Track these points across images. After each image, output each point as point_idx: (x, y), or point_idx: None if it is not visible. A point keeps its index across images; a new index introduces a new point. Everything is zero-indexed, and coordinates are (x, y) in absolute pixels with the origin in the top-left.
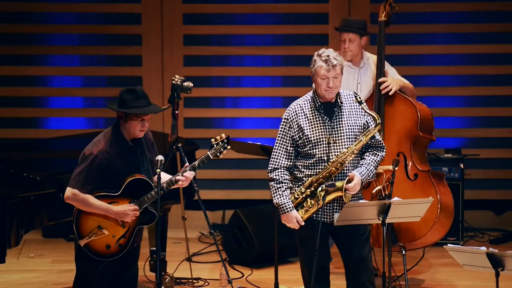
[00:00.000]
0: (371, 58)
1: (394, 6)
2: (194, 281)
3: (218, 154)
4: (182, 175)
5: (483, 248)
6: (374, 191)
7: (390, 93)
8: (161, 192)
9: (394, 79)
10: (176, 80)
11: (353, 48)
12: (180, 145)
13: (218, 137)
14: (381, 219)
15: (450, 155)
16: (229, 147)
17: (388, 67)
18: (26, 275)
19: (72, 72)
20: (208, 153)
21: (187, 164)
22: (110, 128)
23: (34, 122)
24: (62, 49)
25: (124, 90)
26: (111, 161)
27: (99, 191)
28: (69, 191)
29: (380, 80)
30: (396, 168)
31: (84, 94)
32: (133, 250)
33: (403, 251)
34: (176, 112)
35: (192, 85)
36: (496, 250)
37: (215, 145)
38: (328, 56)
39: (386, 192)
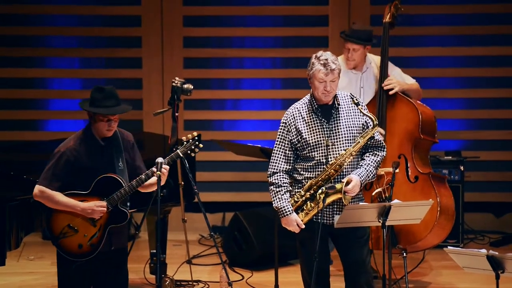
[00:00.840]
0: (373, 61)
1: (400, 8)
2: (194, 283)
3: (188, 152)
4: (158, 172)
5: (483, 251)
6: (374, 193)
7: (390, 93)
8: (131, 190)
9: (399, 81)
10: (176, 82)
11: (356, 58)
12: (179, 147)
13: (189, 135)
14: (381, 222)
15: (450, 157)
16: (201, 145)
17: (392, 68)
18: (26, 277)
19: (72, 74)
20: (178, 151)
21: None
22: (85, 127)
23: (34, 124)
24: (62, 51)
25: (94, 89)
26: (79, 159)
27: (70, 190)
28: (36, 188)
29: (386, 80)
30: (397, 171)
31: (84, 97)
32: (115, 254)
33: (404, 254)
34: (176, 114)
35: (192, 87)
36: (496, 253)
37: (185, 142)
38: (326, 59)
39: (387, 194)
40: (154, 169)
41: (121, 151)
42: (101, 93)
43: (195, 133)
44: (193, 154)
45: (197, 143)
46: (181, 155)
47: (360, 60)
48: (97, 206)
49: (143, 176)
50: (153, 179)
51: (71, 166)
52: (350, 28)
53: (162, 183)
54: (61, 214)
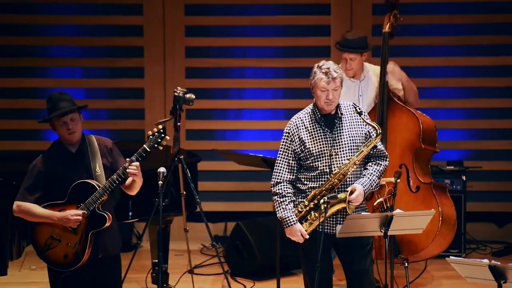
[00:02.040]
0: (371, 70)
1: (399, 17)
2: None
3: (155, 145)
4: (126, 170)
5: (486, 261)
6: (375, 203)
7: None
8: (105, 192)
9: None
10: (178, 92)
11: (354, 66)
12: (182, 157)
13: (154, 129)
14: (383, 231)
15: (452, 167)
16: (168, 137)
17: (391, 72)
18: (27, 287)
19: (74, 84)
20: (144, 145)
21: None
22: (56, 139)
23: (35, 134)
24: (64, 61)
25: (46, 101)
26: (51, 168)
27: (48, 201)
28: (14, 204)
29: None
30: (398, 181)
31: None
32: (104, 263)
33: (406, 263)
34: (178, 124)
35: (194, 97)
36: (499, 263)
37: (151, 136)
38: (328, 68)
39: (388, 204)
40: (125, 165)
41: (97, 157)
42: (51, 101)
43: (160, 126)
44: (160, 148)
45: (162, 135)
46: (148, 150)
47: (358, 68)
48: (72, 215)
49: (114, 176)
50: (129, 180)
51: (43, 177)
52: (343, 37)
53: (137, 182)
54: (43, 227)
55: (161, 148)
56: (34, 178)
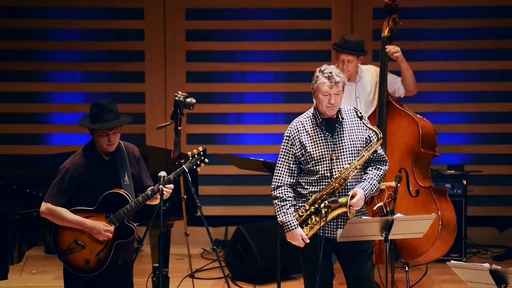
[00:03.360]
0: (365, 70)
1: (398, 22)
2: None
3: (194, 167)
4: (161, 186)
5: (486, 265)
6: (375, 208)
7: (395, 55)
8: (138, 206)
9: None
10: (179, 96)
11: (351, 69)
12: (182, 161)
13: (195, 150)
14: (383, 236)
15: (453, 171)
16: (206, 160)
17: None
18: None
19: (75, 88)
20: (184, 166)
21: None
22: (88, 143)
23: (36, 138)
24: (65, 66)
25: (91, 105)
26: (84, 175)
27: (76, 206)
28: (43, 205)
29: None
30: (399, 185)
31: (86, 111)
32: (121, 269)
33: (406, 268)
34: (179, 128)
35: (194, 101)
36: (499, 267)
37: (191, 158)
38: (330, 72)
39: (388, 209)
40: (161, 186)
41: (126, 165)
42: (98, 108)
43: (200, 148)
44: (199, 169)
45: (202, 158)
46: (187, 170)
47: (354, 71)
48: (105, 231)
49: (149, 192)
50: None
51: (76, 182)
52: (342, 39)
53: (165, 197)
54: (68, 230)
55: (199, 170)
56: (67, 183)
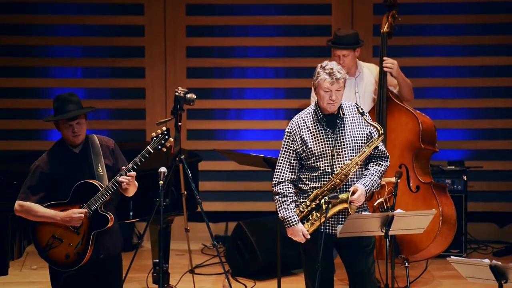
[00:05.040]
0: (365, 67)
1: (397, 18)
2: None
3: (159, 147)
4: (125, 175)
5: (486, 261)
6: (376, 204)
7: (388, 71)
8: (108, 192)
9: (397, 67)
10: (179, 92)
11: (348, 63)
12: (183, 157)
13: (158, 131)
14: (384, 231)
15: (453, 167)
16: (171, 139)
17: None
18: (28, 287)
19: (75, 84)
20: (148, 147)
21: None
22: (59, 139)
23: (36, 134)
24: (65, 61)
25: (54, 99)
26: (55, 170)
27: (52, 201)
28: (16, 203)
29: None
30: (399, 181)
31: (87, 105)
32: (106, 264)
33: (406, 263)
34: (179, 124)
35: (195, 97)
36: (499, 263)
37: (154, 138)
38: (332, 69)
39: (389, 204)
40: (130, 165)
41: (99, 157)
42: (59, 101)
43: (163, 128)
44: (164, 149)
45: (166, 137)
46: (152, 151)
47: (352, 65)
48: (74, 213)
49: (118, 177)
50: (124, 183)
51: (48, 178)
52: (334, 35)
53: (131, 188)
54: (45, 226)
55: (164, 149)
56: (37, 178)
